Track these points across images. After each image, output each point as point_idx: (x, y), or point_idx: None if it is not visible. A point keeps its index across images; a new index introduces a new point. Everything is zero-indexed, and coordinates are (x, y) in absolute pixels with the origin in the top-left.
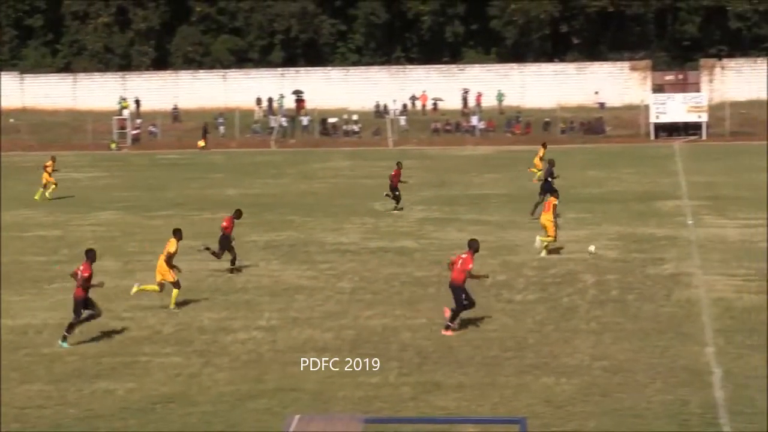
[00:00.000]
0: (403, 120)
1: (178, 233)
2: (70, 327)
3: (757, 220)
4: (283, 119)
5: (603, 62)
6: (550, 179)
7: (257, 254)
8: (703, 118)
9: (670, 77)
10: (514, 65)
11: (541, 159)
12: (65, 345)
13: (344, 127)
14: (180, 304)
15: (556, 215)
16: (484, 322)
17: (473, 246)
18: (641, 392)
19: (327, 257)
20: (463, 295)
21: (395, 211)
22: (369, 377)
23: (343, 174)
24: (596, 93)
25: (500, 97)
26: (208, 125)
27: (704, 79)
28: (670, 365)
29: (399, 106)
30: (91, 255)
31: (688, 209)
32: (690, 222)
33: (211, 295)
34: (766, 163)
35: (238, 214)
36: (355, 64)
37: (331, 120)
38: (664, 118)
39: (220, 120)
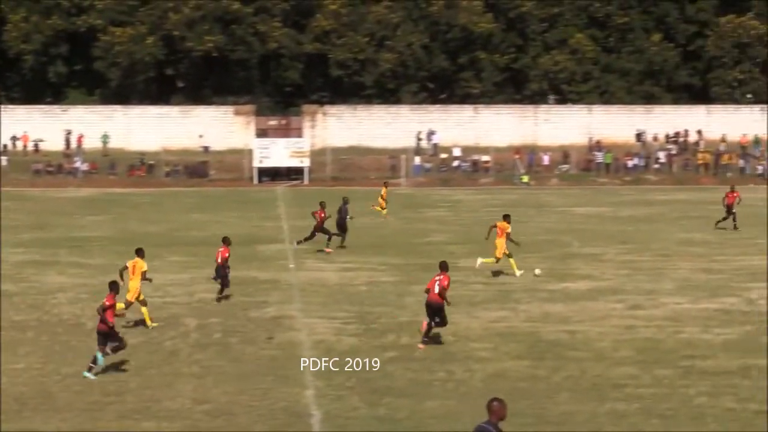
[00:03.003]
0: (3, 161)
1: (141, 252)
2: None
3: (356, 264)
4: None
5: (207, 106)
6: (345, 215)
7: None
8: (306, 163)
9: (273, 122)
10: (118, 107)
11: (383, 198)
12: (90, 375)
13: None
14: None
15: (508, 240)
16: (84, 367)
17: (446, 267)
18: None
19: None
20: (442, 314)
21: (328, 248)
22: None
23: None
24: (201, 136)
25: (105, 138)
26: None
27: (307, 124)
28: (271, 407)
29: None
30: (114, 287)
31: (290, 253)
32: (292, 266)
33: None
34: (362, 206)
35: (228, 241)
36: None
37: None
38: (268, 163)
39: None
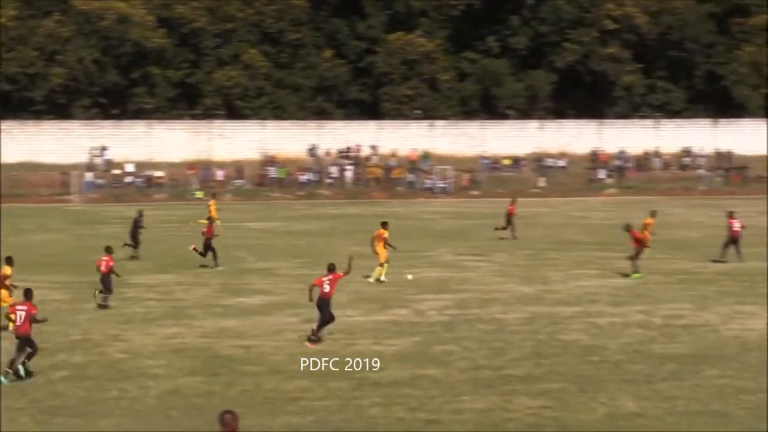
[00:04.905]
0: None
1: (10, 260)
2: (12, 363)
3: (26, 282)
4: None
5: None
6: (139, 227)
7: None
8: None
9: None
10: None
11: (216, 209)
12: (5, 381)
13: None
14: None
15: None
16: None
17: (333, 268)
18: None
19: None
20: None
21: (218, 268)
22: None
23: None
24: None
25: None
26: None
27: None
28: None
29: None
30: (29, 294)
31: None
32: None
33: None
34: (30, 223)
35: (111, 250)
36: None
37: None
38: None
39: None
